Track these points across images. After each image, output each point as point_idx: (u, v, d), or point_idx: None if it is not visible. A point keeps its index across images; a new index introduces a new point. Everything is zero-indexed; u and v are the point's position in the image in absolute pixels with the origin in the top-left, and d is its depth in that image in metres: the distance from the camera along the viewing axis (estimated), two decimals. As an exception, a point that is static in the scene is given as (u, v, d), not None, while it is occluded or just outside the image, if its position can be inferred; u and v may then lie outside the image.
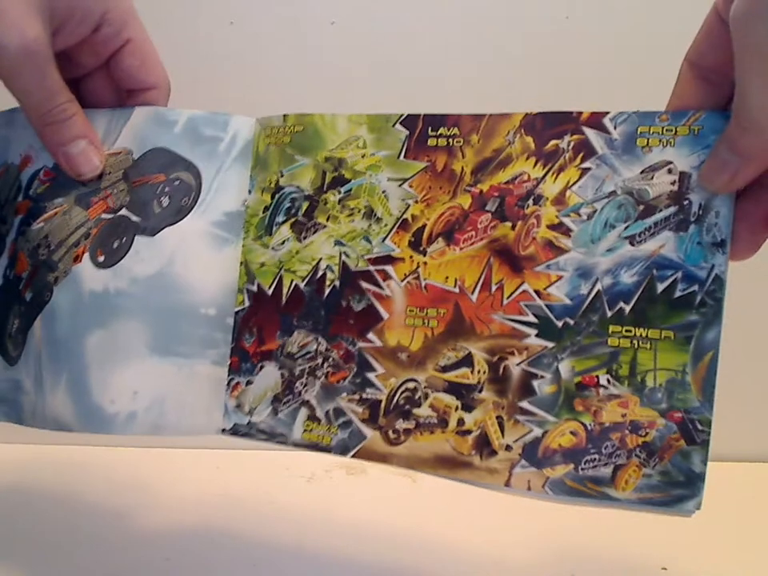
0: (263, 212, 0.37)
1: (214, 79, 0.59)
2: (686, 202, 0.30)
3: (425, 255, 0.34)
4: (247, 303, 0.37)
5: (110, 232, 0.36)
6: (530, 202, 0.32)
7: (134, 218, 0.36)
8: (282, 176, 0.37)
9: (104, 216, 0.36)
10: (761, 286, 0.61)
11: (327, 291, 0.36)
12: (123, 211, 0.36)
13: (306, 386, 0.36)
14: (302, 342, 0.36)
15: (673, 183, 0.30)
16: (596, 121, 0.32)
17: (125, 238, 0.36)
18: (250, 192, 0.38)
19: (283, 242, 0.37)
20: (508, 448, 0.32)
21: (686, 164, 0.30)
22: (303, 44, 0.59)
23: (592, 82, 0.55)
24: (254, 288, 0.37)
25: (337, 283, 0.36)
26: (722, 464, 0.59)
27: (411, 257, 0.34)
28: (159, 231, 0.36)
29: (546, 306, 0.32)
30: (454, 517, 0.51)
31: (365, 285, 0.35)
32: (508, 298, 0.33)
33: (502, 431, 0.32)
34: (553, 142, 0.32)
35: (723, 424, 0.62)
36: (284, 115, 0.37)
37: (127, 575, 0.44)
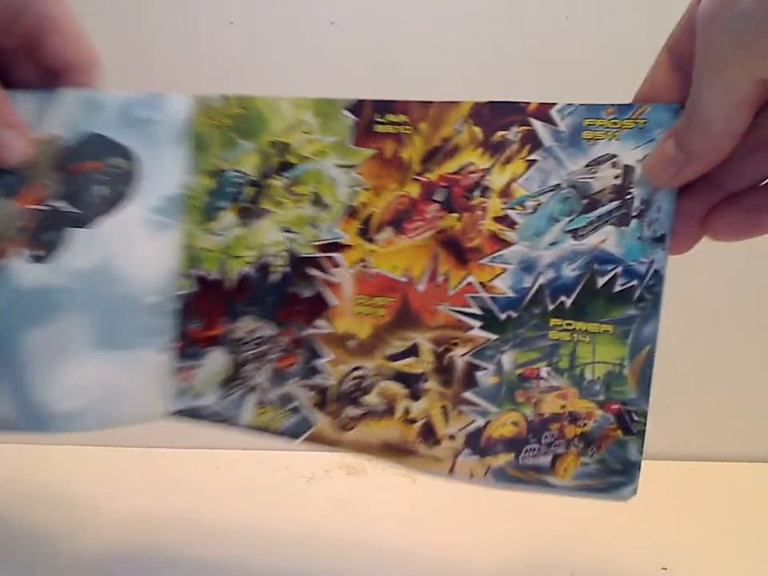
0: (205, 196, 0.36)
1: (214, 79, 0.56)
2: (628, 197, 0.30)
3: (373, 243, 0.34)
4: (191, 288, 0.37)
5: (43, 224, 0.35)
6: (477, 193, 0.32)
7: (70, 209, 0.35)
8: (224, 160, 0.36)
9: (35, 207, 0.35)
10: (761, 288, 0.62)
11: (275, 277, 0.36)
12: (57, 202, 0.35)
13: (255, 370, 0.36)
14: (250, 327, 0.36)
15: (617, 177, 0.31)
16: (543, 112, 0.31)
17: (61, 231, 0.35)
18: (189, 175, 0.37)
19: (228, 228, 0.36)
20: (452, 437, 0.33)
21: (630, 158, 0.30)
22: (303, 44, 0.58)
23: (592, 82, 0.55)
24: (199, 273, 0.37)
25: (285, 269, 0.36)
26: (723, 464, 0.62)
27: (360, 244, 0.34)
28: (97, 222, 0.35)
29: (490, 298, 0.32)
30: (454, 517, 0.51)
31: (313, 271, 0.35)
32: (453, 289, 0.33)
33: (446, 421, 0.33)
34: (500, 132, 0.32)
35: (723, 424, 0.64)
36: (224, 96, 0.36)
37: (127, 572, 0.44)
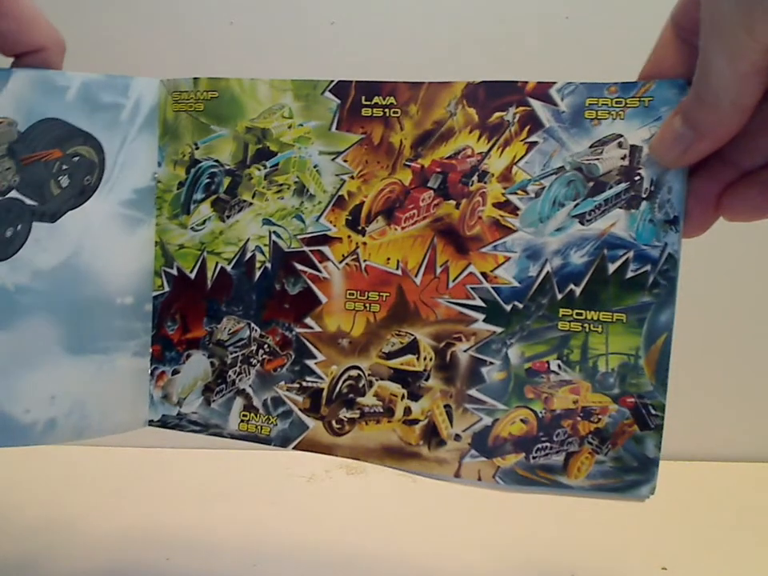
0: (177, 188, 0.33)
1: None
2: (636, 178, 0.29)
3: (364, 235, 0.32)
4: (167, 287, 0.34)
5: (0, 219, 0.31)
6: (475, 178, 0.30)
7: (29, 202, 0.31)
8: (197, 148, 0.33)
9: None
10: (761, 286, 0.62)
11: (258, 274, 0.33)
12: (13, 193, 0.31)
13: (239, 374, 0.34)
14: (232, 328, 0.34)
15: (623, 158, 0.29)
16: (542, 92, 0.29)
17: (20, 225, 0.31)
18: (159, 165, 0.34)
19: (204, 222, 0.33)
20: (457, 437, 0.31)
21: (636, 137, 0.29)
22: (303, 44, 0.58)
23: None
24: (174, 271, 0.34)
25: (268, 265, 0.33)
26: (723, 464, 0.61)
27: (349, 236, 0.32)
28: (61, 216, 0.32)
29: (494, 289, 0.30)
30: (454, 517, 0.50)
31: (300, 266, 0.33)
32: (454, 280, 0.31)
33: (451, 420, 0.31)
34: (497, 114, 0.30)
35: (724, 424, 0.63)
36: (194, 78, 0.33)
37: (129, 572, 0.43)
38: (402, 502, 0.53)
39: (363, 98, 0.31)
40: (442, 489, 0.47)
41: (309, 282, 0.32)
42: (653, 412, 0.29)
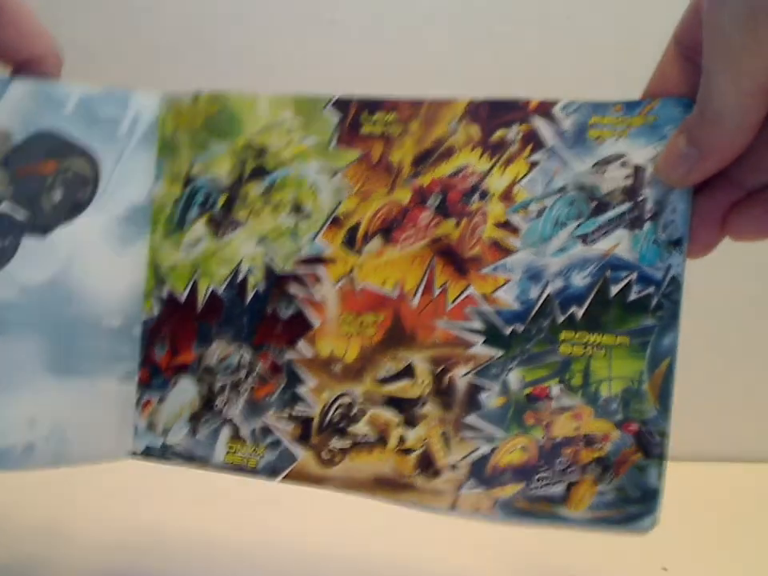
0: (173, 205, 0.33)
1: (213, 79, 0.56)
2: (640, 198, 0.28)
3: (360, 255, 0.31)
4: (156, 310, 0.33)
5: None
6: (476, 197, 0.30)
7: (19, 215, 0.31)
8: (193, 164, 0.33)
9: None
10: (759, 288, 0.62)
11: (250, 296, 0.32)
12: (4, 205, 0.31)
13: (227, 402, 0.33)
14: (222, 353, 0.33)
15: (627, 177, 0.28)
16: (545, 110, 0.29)
17: (8, 239, 0.30)
18: (156, 180, 0.33)
19: (197, 241, 0.33)
20: (453, 467, 0.29)
21: (640, 157, 0.28)
22: (303, 44, 0.58)
23: (592, 82, 0.54)
24: (164, 294, 0.33)
25: (261, 287, 0.32)
26: (723, 464, 0.61)
27: (345, 257, 0.31)
28: (52, 230, 0.31)
29: (494, 311, 0.29)
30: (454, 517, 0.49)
31: (293, 289, 0.32)
32: (452, 302, 0.30)
33: (447, 449, 0.30)
34: (499, 131, 0.29)
35: (724, 424, 0.63)
36: (195, 93, 0.33)
37: (129, 572, 0.42)
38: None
39: (364, 114, 0.31)
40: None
41: (302, 305, 0.31)
42: (656, 439, 0.27)
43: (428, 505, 0.30)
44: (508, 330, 0.29)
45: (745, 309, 0.61)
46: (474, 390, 0.29)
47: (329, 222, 0.31)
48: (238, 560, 0.44)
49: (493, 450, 0.29)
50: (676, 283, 0.28)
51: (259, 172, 0.32)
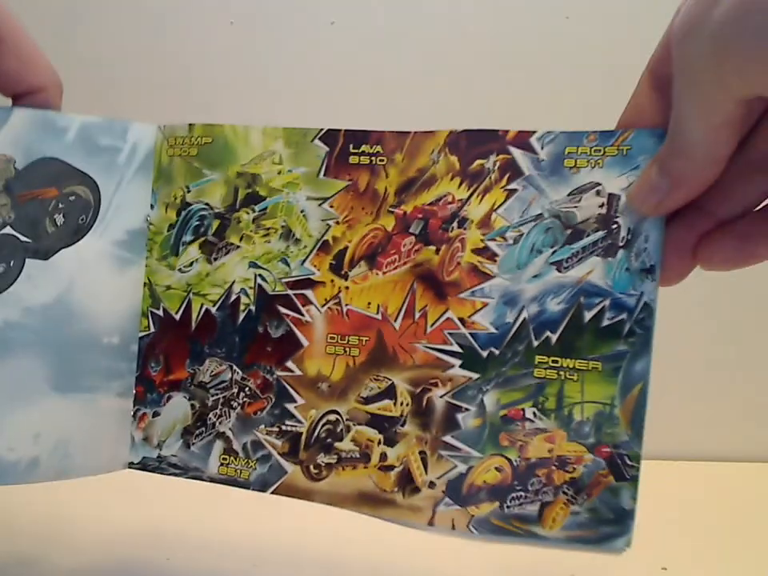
0: (168, 230, 0.34)
1: (213, 79, 0.58)
2: (614, 226, 0.29)
3: (346, 279, 0.32)
4: (152, 328, 0.35)
5: None
6: (455, 224, 0.31)
7: (23, 239, 0.32)
8: (188, 191, 0.34)
9: None
10: (759, 288, 0.62)
11: (242, 316, 0.34)
12: (7, 230, 0.32)
13: (220, 417, 0.34)
14: (214, 370, 0.34)
15: (601, 206, 0.29)
16: (522, 140, 0.30)
17: (13, 261, 0.32)
18: (152, 207, 0.35)
19: (191, 264, 0.34)
20: (431, 485, 0.30)
21: (614, 186, 0.29)
22: (303, 44, 0.58)
23: (592, 82, 0.54)
24: (160, 312, 0.34)
25: (252, 308, 0.33)
26: (723, 464, 0.62)
27: (332, 281, 0.32)
28: (54, 254, 0.33)
29: (471, 334, 0.30)
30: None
31: (283, 310, 0.33)
32: (432, 325, 0.31)
33: (426, 467, 0.31)
34: (478, 161, 0.30)
35: (724, 424, 0.63)
36: (189, 125, 0.34)
37: (129, 572, 0.43)
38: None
39: (351, 146, 0.32)
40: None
41: (291, 325, 0.33)
42: (628, 462, 0.28)
43: (407, 521, 0.31)
44: (485, 353, 0.30)
45: (745, 308, 0.62)
46: (451, 411, 0.30)
47: (317, 248, 0.32)
48: (240, 555, 0.45)
49: (469, 470, 0.30)
50: (648, 310, 0.28)
51: (251, 199, 0.34)
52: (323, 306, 0.32)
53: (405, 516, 0.31)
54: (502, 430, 0.30)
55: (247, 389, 0.33)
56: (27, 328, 0.32)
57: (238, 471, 0.33)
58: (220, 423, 0.34)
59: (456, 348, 0.30)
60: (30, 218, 0.32)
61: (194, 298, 0.34)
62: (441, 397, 0.30)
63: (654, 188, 0.27)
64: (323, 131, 0.32)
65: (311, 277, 0.32)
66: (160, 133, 0.34)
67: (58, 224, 0.33)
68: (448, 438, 0.30)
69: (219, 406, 0.34)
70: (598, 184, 0.29)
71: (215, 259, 0.34)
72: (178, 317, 0.34)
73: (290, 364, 0.33)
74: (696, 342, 0.60)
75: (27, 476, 0.33)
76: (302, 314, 0.33)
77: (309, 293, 0.32)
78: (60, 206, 0.33)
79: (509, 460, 0.30)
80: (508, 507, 0.29)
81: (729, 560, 0.46)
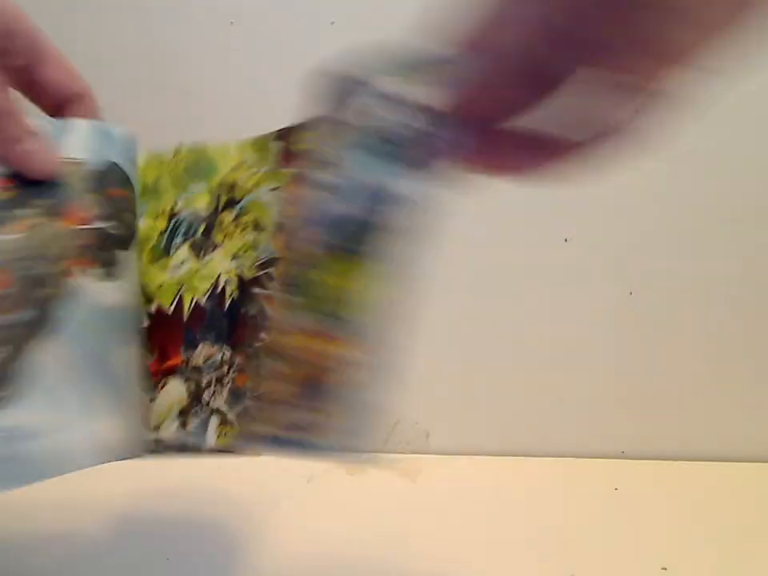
0: (159, 236, 0.40)
1: (213, 79, 0.59)
2: None
3: None
4: (145, 324, 0.39)
5: (98, 245, 0.36)
6: None
7: (114, 231, 0.37)
8: (177, 202, 0.40)
9: (85, 227, 0.36)
10: (759, 288, 0.60)
11: (228, 303, 0.38)
12: (103, 223, 0.36)
13: (213, 394, 0.38)
14: (206, 353, 0.38)
15: None
16: None
17: (112, 251, 0.37)
18: (140, 218, 0.40)
19: (182, 263, 0.39)
20: None
21: None
22: (303, 44, 0.59)
23: None
24: (152, 309, 0.40)
25: (235, 295, 0.38)
26: (723, 464, 0.60)
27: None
28: (133, 246, 0.38)
29: None
30: (454, 517, 0.50)
31: (256, 290, 0.37)
32: None
33: None
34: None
35: (723, 424, 0.62)
36: (175, 148, 0.41)
37: (129, 572, 0.44)
38: (402, 502, 0.52)
39: (296, 136, 0.37)
40: (441, 489, 0.51)
41: (262, 301, 0.37)
42: None
43: None
44: None
45: (745, 308, 0.59)
46: None
47: (276, 230, 0.37)
48: (240, 554, 0.45)
49: None
50: None
51: (231, 202, 0.39)
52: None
53: None
54: None
55: (235, 365, 0.37)
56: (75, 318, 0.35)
57: (234, 439, 0.37)
58: (214, 400, 0.38)
59: None
60: (115, 212, 0.37)
61: (185, 292, 0.39)
62: None
63: None
64: (278, 131, 0.38)
65: (273, 255, 0.37)
66: (146, 156, 0.40)
67: (130, 220, 0.38)
68: None
69: (212, 385, 0.38)
70: None
71: (203, 257, 0.39)
72: (170, 310, 0.39)
73: (263, 335, 0.37)
74: (696, 342, 0.57)
75: (41, 472, 0.33)
76: (269, 290, 0.37)
77: (272, 270, 0.37)
78: (127, 204, 0.38)
79: None
80: None
81: (729, 560, 0.45)
